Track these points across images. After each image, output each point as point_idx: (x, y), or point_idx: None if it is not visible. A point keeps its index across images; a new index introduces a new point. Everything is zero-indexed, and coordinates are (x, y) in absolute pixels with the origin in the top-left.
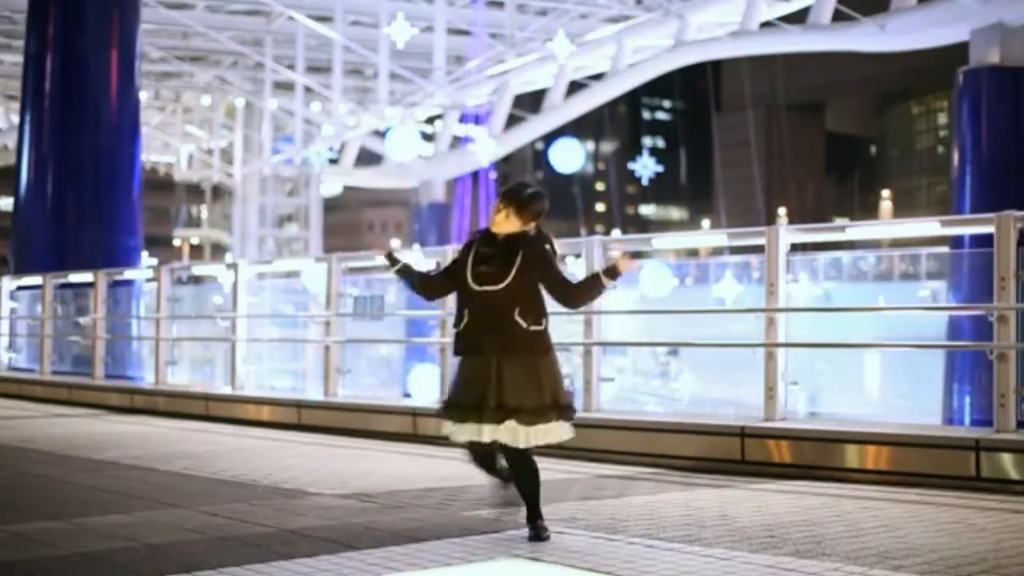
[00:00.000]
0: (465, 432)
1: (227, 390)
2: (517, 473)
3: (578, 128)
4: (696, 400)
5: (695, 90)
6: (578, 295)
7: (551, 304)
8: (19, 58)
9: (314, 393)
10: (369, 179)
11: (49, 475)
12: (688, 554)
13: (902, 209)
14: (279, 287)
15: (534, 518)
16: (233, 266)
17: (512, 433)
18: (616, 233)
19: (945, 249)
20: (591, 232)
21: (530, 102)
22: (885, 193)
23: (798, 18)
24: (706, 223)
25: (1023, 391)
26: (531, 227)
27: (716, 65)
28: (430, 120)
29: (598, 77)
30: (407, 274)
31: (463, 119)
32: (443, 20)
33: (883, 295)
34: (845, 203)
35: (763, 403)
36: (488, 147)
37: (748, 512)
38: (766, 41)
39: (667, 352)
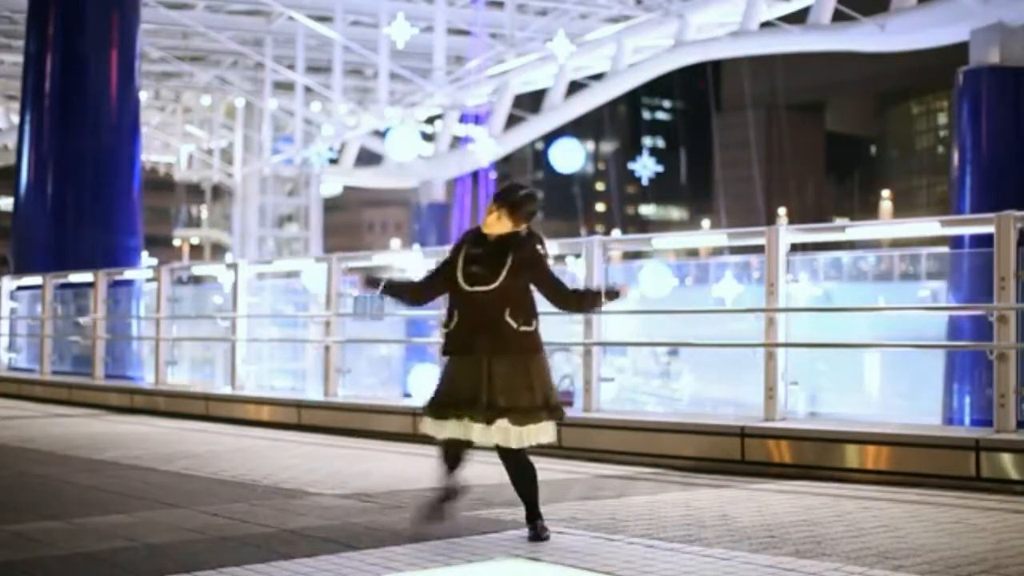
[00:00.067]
0: (448, 429)
1: (227, 390)
2: (514, 474)
3: (578, 128)
4: (696, 400)
5: (695, 90)
6: (571, 301)
7: (545, 305)
8: (19, 58)
9: (314, 393)
10: (369, 179)
11: (49, 475)
12: (688, 554)
13: (902, 209)
14: (279, 287)
15: (533, 518)
16: (233, 266)
17: (504, 433)
18: (616, 233)
19: (945, 249)
20: (591, 232)
21: (530, 102)
22: (885, 193)
23: (798, 18)
24: (706, 223)
25: (1023, 391)
26: (523, 228)
27: (716, 65)
28: (430, 120)
29: (598, 77)
30: (395, 290)
31: (463, 119)
32: (443, 20)
33: (883, 295)
34: (845, 203)
35: (763, 403)
36: (488, 147)
37: (748, 512)
38: (766, 41)
39: (667, 352)
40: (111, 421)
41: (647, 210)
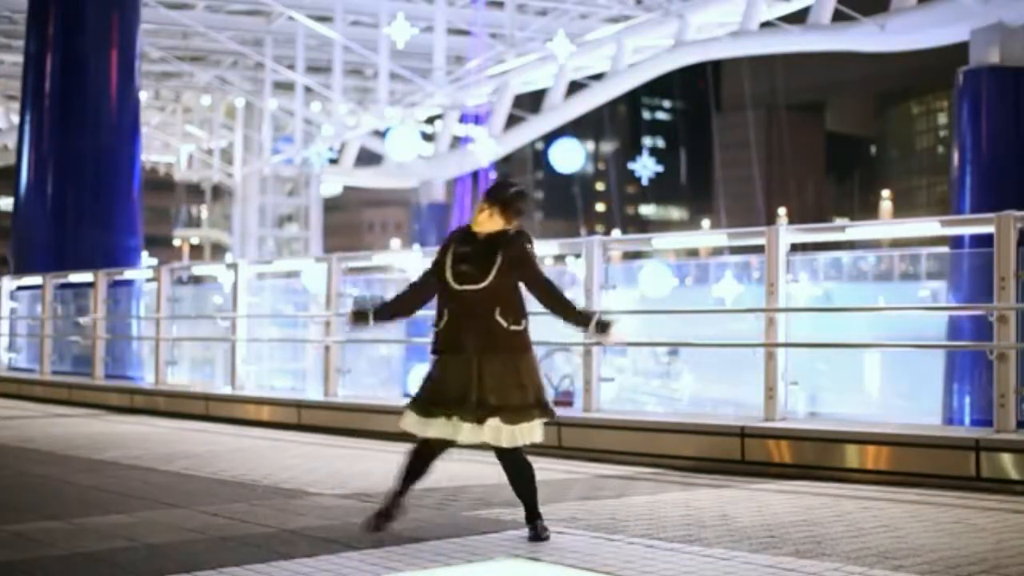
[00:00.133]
0: (433, 428)
1: (227, 390)
2: (512, 474)
3: (578, 128)
4: (696, 400)
5: (695, 90)
6: (560, 304)
7: (538, 304)
8: (19, 58)
9: (314, 393)
10: (369, 179)
11: (49, 475)
12: (688, 554)
13: (902, 209)
14: (279, 287)
15: (533, 518)
16: (233, 266)
17: (496, 432)
18: (616, 233)
19: (945, 249)
20: (591, 232)
21: (530, 102)
22: (885, 193)
23: (798, 18)
24: (706, 223)
25: (1023, 391)
26: (512, 226)
27: (716, 65)
28: (430, 120)
29: (598, 77)
30: (386, 314)
31: (463, 119)
32: (443, 20)
33: (883, 295)
34: (845, 203)
35: (763, 403)
36: (488, 147)
37: (748, 512)
38: (766, 41)
39: (667, 352)
40: (111, 421)
41: (647, 210)
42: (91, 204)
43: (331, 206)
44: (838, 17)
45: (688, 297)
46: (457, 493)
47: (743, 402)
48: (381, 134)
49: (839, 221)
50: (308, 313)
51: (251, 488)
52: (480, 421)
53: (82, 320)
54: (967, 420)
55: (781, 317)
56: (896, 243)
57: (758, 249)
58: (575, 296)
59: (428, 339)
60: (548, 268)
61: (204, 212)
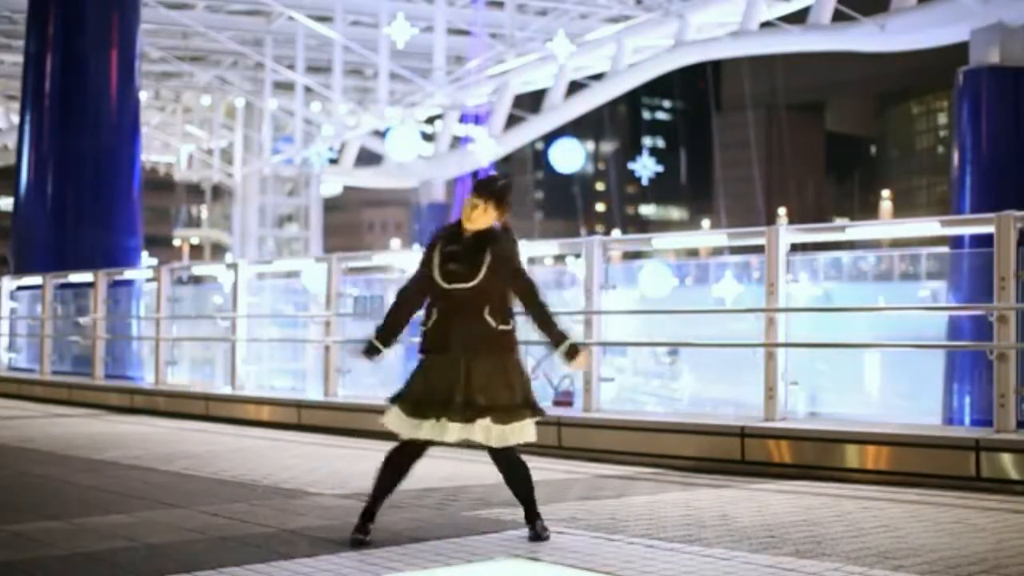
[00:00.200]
0: (424, 429)
1: (227, 390)
2: (508, 475)
3: (578, 128)
4: (696, 400)
5: (695, 90)
6: (540, 311)
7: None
8: (19, 58)
9: (314, 393)
10: (369, 179)
11: (49, 475)
12: (688, 554)
13: (902, 209)
14: (279, 287)
15: (533, 518)
16: (233, 266)
17: (486, 432)
18: (616, 233)
19: (945, 249)
20: (591, 232)
21: (530, 102)
22: (885, 193)
23: (798, 18)
24: (706, 223)
25: (1023, 391)
26: (502, 219)
27: (716, 65)
28: (430, 120)
29: (598, 77)
30: (392, 336)
31: (463, 119)
32: (443, 20)
33: (883, 295)
34: (845, 203)
35: (763, 403)
36: (488, 147)
37: (748, 512)
38: (766, 41)
39: (668, 352)
40: (111, 421)
41: (647, 210)
42: (91, 204)
43: (331, 206)
44: (838, 17)
45: (688, 297)
46: (457, 493)
47: (743, 402)
48: (381, 134)
49: (839, 221)
50: (308, 313)
51: (251, 488)
52: (469, 421)
53: (82, 320)
54: (967, 420)
55: (781, 317)
56: (896, 243)
57: (758, 249)
58: (575, 296)
59: None
60: (548, 268)
61: (204, 212)
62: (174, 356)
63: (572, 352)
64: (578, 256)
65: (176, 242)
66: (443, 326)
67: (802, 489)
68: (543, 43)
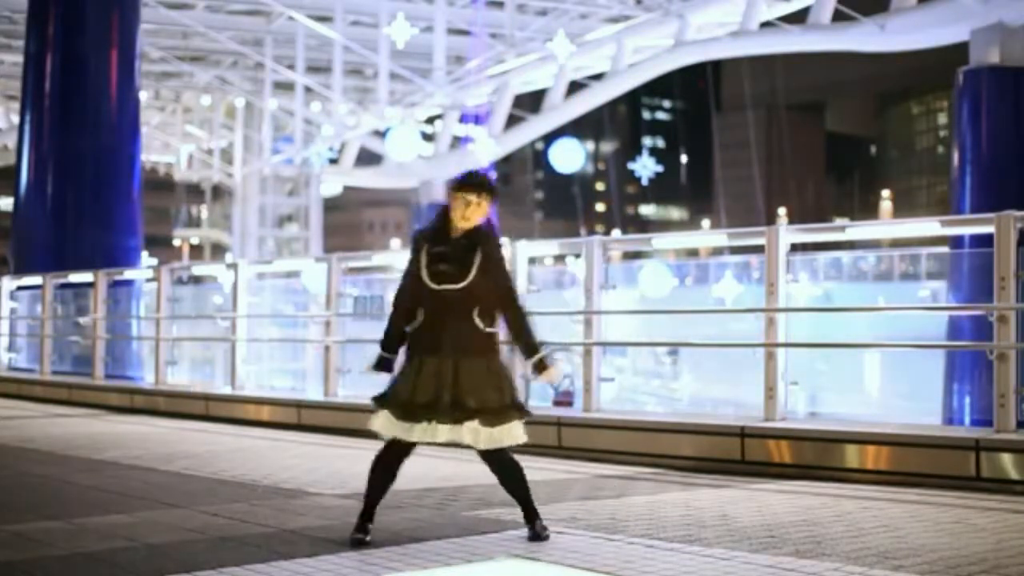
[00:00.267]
0: (416, 432)
1: (227, 390)
2: (501, 476)
3: (578, 128)
4: (696, 400)
5: (695, 90)
6: (517, 318)
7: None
8: (19, 58)
9: (314, 393)
10: (369, 179)
11: (49, 475)
12: (688, 554)
13: (902, 209)
14: (279, 287)
15: (531, 518)
16: (233, 266)
17: (474, 434)
18: (616, 233)
19: (945, 249)
20: (591, 232)
21: (530, 102)
22: (885, 193)
23: (798, 18)
24: (706, 223)
25: (1023, 391)
26: (484, 217)
27: (716, 65)
28: (430, 120)
29: (598, 77)
30: (395, 342)
31: (463, 119)
32: (443, 20)
33: (883, 295)
34: (845, 203)
35: (763, 403)
36: (488, 147)
37: (748, 512)
38: (766, 41)
39: (667, 352)
40: (111, 421)
41: (647, 210)
42: (91, 204)
43: (331, 206)
44: (838, 17)
45: (688, 297)
46: (457, 493)
47: (743, 402)
48: (381, 134)
49: (839, 221)
50: (308, 313)
51: (251, 488)
52: (457, 422)
53: (82, 320)
54: (967, 420)
55: (781, 317)
56: (896, 243)
57: (758, 249)
58: (575, 296)
59: None
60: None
61: (204, 212)
62: (174, 356)
63: (541, 366)
64: (578, 256)
65: (176, 242)
66: (432, 327)
67: (802, 489)
68: (543, 43)
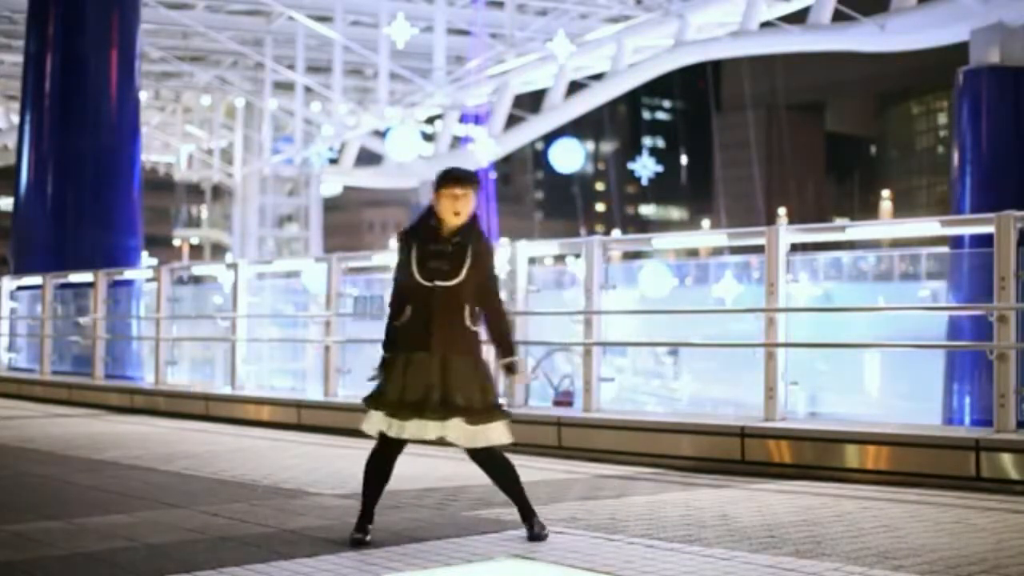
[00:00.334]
0: (408, 430)
1: (227, 390)
2: (493, 475)
3: (578, 128)
4: (696, 400)
5: (695, 90)
6: (497, 316)
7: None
8: (19, 58)
9: (314, 393)
10: (369, 179)
11: (49, 475)
12: (688, 554)
13: (902, 209)
14: (279, 287)
15: (528, 515)
16: (233, 266)
17: (456, 432)
18: (616, 233)
19: (945, 249)
20: (591, 232)
21: (530, 102)
22: (885, 193)
23: (798, 18)
24: (706, 223)
25: (1023, 391)
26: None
27: (716, 65)
28: (430, 120)
29: (598, 77)
30: (396, 341)
31: (463, 119)
32: (443, 20)
33: (883, 295)
34: (845, 203)
35: (763, 403)
36: (488, 147)
37: (748, 512)
38: (766, 41)
39: (667, 352)
40: (111, 421)
41: (647, 210)
42: (91, 204)
43: (331, 206)
44: (838, 17)
45: (688, 297)
46: (457, 493)
47: (743, 402)
48: (381, 134)
49: (839, 221)
50: (308, 313)
51: (251, 488)
52: (444, 419)
53: (82, 320)
54: (967, 420)
55: (781, 317)
56: (896, 243)
57: (758, 249)
58: (575, 296)
59: None
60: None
61: (204, 212)
62: (174, 356)
63: (512, 368)
64: (578, 256)
65: (176, 242)
66: (421, 324)
67: (802, 489)
68: (543, 43)
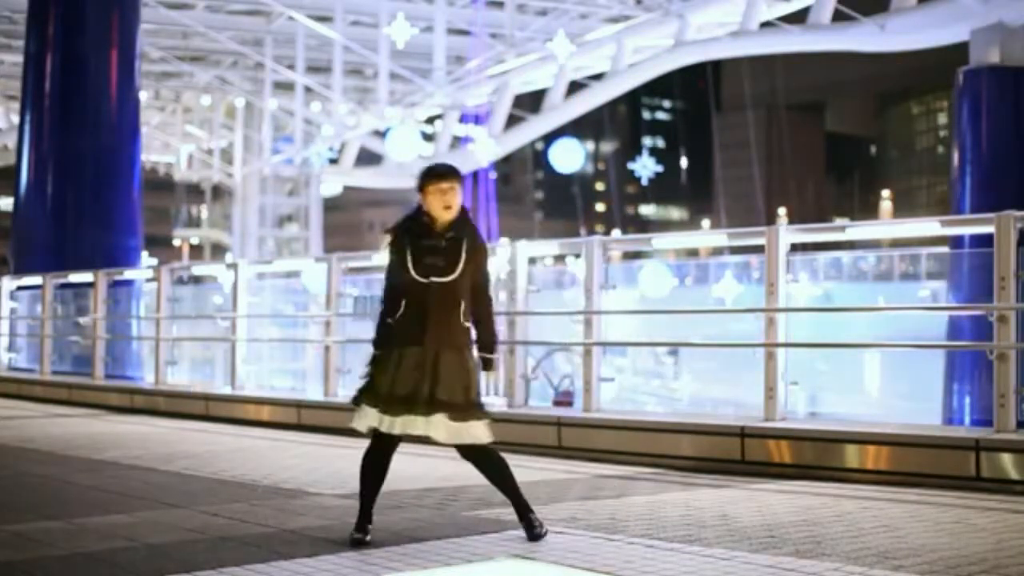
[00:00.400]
0: (398, 425)
1: (227, 390)
2: (486, 472)
3: (578, 128)
4: (696, 400)
5: (695, 90)
6: (486, 314)
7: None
8: (19, 58)
9: (314, 393)
10: (369, 179)
11: (49, 475)
12: (688, 554)
13: (902, 209)
14: (279, 287)
15: (524, 512)
16: (233, 266)
17: (437, 427)
18: (616, 233)
19: (945, 249)
20: (591, 232)
21: (530, 102)
22: (885, 193)
23: (798, 18)
24: (706, 223)
25: (1023, 391)
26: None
27: (716, 65)
28: (430, 120)
29: (598, 77)
30: (386, 336)
31: (463, 119)
32: (443, 20)
33: (883, 295)
34: (845, 203)
35: (763, 403)
36: (488, 147)
37: (748, 512)
38: (766, 41)
39: (667, 352)
40: (111, 421)
41: (647, 210)
42: (91, 204)
43: (331, 206)
44: (838, 17)
45: (688, 297)
46: (457, 493)
47: (743, 402)
48: (381, 134)
49: (839, 221)
50: (308, 313)
51: (251, 488)
52: (429, 414)
53: (82, 320)
54: (967, 420)
55: (781, 317)
56: (896, 243)
57: (758, 249)
58: (575, 296)
59: None
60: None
61: (204, 212)
62: (174, 356)
63: (487, 364)
64: (578, 256)
65: (176, 242)
66: (417, 320)
67: (802, 489)
68: (543, 43)
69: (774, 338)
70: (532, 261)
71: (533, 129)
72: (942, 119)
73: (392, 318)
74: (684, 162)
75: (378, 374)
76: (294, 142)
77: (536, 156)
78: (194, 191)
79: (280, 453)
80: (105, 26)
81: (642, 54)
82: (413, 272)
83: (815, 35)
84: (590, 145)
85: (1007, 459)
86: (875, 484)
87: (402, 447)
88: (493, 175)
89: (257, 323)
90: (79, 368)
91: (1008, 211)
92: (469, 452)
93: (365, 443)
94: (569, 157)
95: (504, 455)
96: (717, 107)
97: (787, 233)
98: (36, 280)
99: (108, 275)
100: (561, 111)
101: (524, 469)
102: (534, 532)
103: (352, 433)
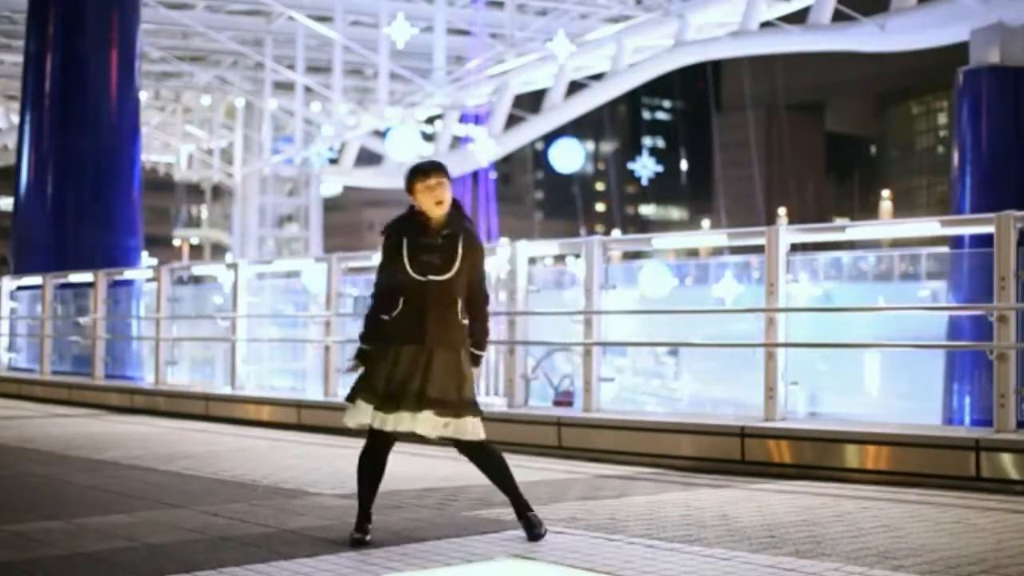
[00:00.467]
0: (391, 422)
1: (227, 390)
2: (485, 469)
3: (578, 128)
4: (696, 400)
5: (695, 90)
6: (481, 314)
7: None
8: (19, 58)
9: (314, 393)
10: (369, 179)
11: (49, 475)
12: (688, 554)
13: (902, 209)
14: (279, 287)
15: (523, 510)
16: (233, 266)
17: (423, 423)
18: (616, 233)
19: (945, 249)
20: (591, 232)
21: (530, 102)
22: (885, 193)
23: (798, 18)
24: (706, 223)
25: (1023, 391)
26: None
27: (716, 65)
28: (430, 120)
29: (598, 77)
30: (378, 337)
31: (463, 119)
32: (443, 20)
33: (883, 295)
34: (845, 203)
35: (763, 403)
36: (488, 147)
37: (748, 512)
38: (766, 41)
39: (668, 352)
40: (111, 421)
41: (647, 210)
42: (91, 204)
43: (331, 206)
44: (838, 17)
45: (688, 297)
46: (457, 493)
47: (743, 402)
48: (381, 134)
49: (839, 221)
50: (308, 313)
51: (251, 488)
52: (417, 411)
53: (82, 320)
54: (967, 420)
55: (781, 317)
56: (896, 243)
57: (758, 249)
58: (575, 296)
59: None
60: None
61: (204, 212)
62: (174, 356)
63: (474, 361)
64: (578, 256)
65: (176, 242)
66: (414, 317)
67: (802, 489)
68: (543, 43)
69: (774, 338)
70: (532, 261)
71: (533, 129)
72: (942, 119)
73: (388, 315)
74: (684, 162)
75: (374, 371)
76: (294, 142)
77: (536, 156)
78: (194, 191)
79: (280, 453)
80: (105, 26)
81: (642, 54)
82: (410, 270)
83: (815, 35)
84: (590, 145)
85: (1007, 459)
86: (875, 484)
87: (401, 447)
88: (493, 175)
89: (257, 323)
90: (79, 368)
91: (1008, 211)
92: (468, 449)
93: (364, 444)
94: (569, 157)
95: (504, 455)
96: (717, 107)
97: (787, 233)
98: (36, 280)
99: (108, 275)
100: (561, 111)
101: (524, 469)
102: (534, 532)
103: (352, 433)
